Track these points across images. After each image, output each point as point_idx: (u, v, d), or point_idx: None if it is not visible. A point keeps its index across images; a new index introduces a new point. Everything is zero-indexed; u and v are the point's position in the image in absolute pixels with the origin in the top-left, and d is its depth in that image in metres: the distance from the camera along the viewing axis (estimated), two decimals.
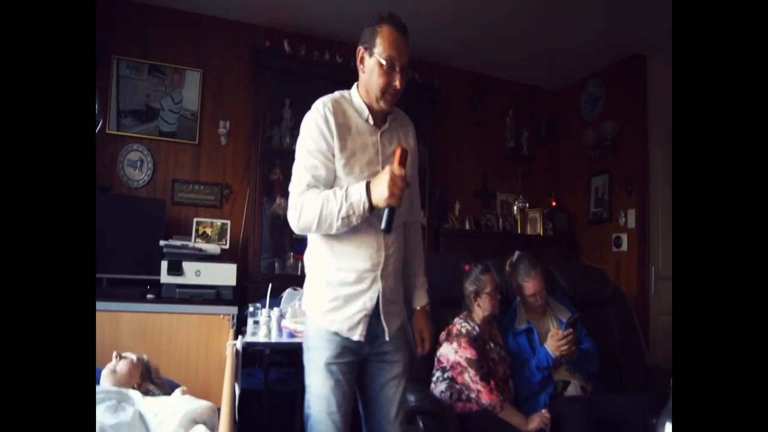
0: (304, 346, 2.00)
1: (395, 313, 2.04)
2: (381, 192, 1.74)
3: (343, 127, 1.92)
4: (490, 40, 4.93)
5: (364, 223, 1.86)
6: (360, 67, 1.98)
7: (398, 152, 1.78)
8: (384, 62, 1.88)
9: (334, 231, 1.82)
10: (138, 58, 4.37)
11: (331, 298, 1.92)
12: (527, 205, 5.53)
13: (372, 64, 1.92)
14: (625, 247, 4.90)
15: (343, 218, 1.78)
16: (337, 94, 2.01)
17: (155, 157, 4.37)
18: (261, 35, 4.54)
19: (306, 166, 1.89)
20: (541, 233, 5.42)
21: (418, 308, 2.22)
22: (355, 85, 2.05)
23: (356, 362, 1.98)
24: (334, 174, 1.90)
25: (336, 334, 1.91)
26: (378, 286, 1.93)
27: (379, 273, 1.94)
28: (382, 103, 1.96)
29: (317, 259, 1.98)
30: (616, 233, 5.00)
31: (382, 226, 1.79)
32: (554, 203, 5.66)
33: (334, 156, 1.89)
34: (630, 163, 4.94)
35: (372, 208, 1.78)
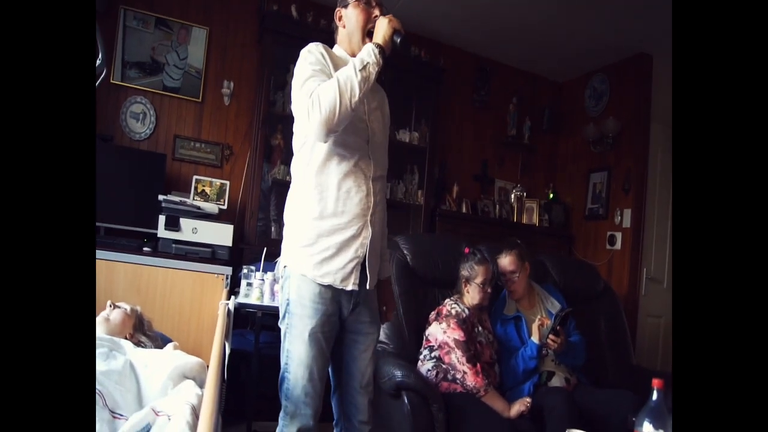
0: (283, 309, 1.97)
1: (377, 263, 2.05)
2: (382, 27, 1.90)
3: (335, 69, 1.93)
4: (498, 24, 4.92)
5: (354, 167, 1.92)
6: (339, 24, 2.10)
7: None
8: None
9: (357, 95, 1.78)
10: (145, 10, 4.32)
11: (323, 249, 1.89)
12: (525, 194, 5.56)
13: (350, 11, 2.04)
14: (618, 245, 4.95)
15: (360, 71, 1.80)
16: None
17: (158, 111, 4.33)
18: None
19: (314, 80, 1.85)
20: (537, 224, 5.45)
21: (383, 278, 2.20)
22: (335, 46, 2.12)
23: (336, 330, 1.98)
24: None
25: (326, 290, 1.90)
26: (368, 233, 1.94)
27: (368, 218, 1.94)
28: (367, 42, 1.98)
29: (303, 208, 1.93)
30: (611, 231, 5.04)
31: (398, 43, 1.92)
32: (551, 195, 5.69)
33: None
34: (630, 163, 4.98)
35: (382, 50, 1.87)
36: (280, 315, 1.99)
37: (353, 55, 1.98)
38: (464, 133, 5.52)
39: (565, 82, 5.92)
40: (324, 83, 1.80)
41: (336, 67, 1.92)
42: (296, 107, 1.89)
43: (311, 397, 1.89)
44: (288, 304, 1.94)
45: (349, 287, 1.91)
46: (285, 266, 1.98)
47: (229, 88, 4.53)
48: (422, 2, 4.50)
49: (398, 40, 1.92)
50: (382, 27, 1.90)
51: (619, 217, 4.96)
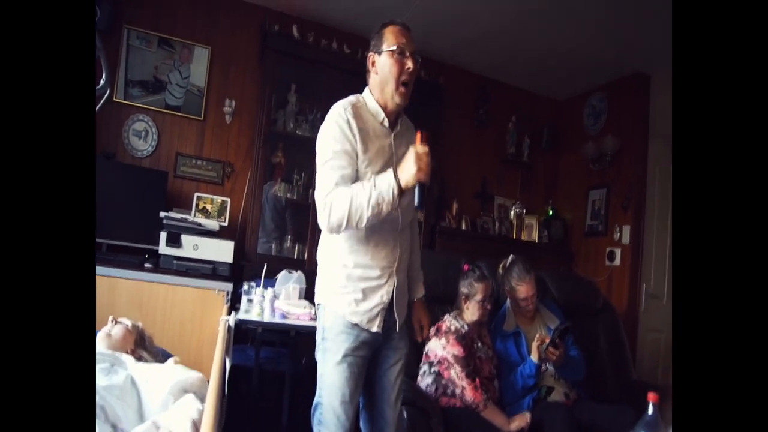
0: (319, 338, 2.03)
1: (404, 305, 2.12)
2: (409, 170, 1.79)
3: (363, 131, 1.94)
4: (498, 44, 4.96)
5: (384, 222, 1.94)
6: (372, 71, 2.04)
7: (419, 134, 1.85)
8: (394, 48, 1.97)
9: (364, 224, 1.83)
10: (148, 29, 4.37)
11: (351, 292, 1.97)
12: (524, 211, 5.58)
13: (383, 59, 1.99)
14: (618, 261, 4.96)
15: (373, 207, 1.80)
16: (353, 98, 2.03)
17: (160, 129, 4.37)
18: (271, 18, 4.56)
19: (333, 166, 1.88)
20: (537, 240, 5.45)
21: (416, 299, 2.29)
22: (366, 90, 2.09)
23: (369, 356, 2.04)
24: (357, 175, 1.92)
25: (355, 326, 1.97)
26: (393, 281, 2.02)
27: (394, 269, 2.02)
28: (397, 98, 2.00)
29: (336, 256, 2.02)
30: (610, 247, 5.05)
31: (416, 203, 1.85)
32: (551, 212, 5.71)
33: (357, 158, 1.92)
34: (628, 180, 5.00)
35: (402, 193, 1.82)
36: (317, 344, 2.05)
37: (384, 106, 2.02)
38: (464, 151, 5.54)
39: (564, 100, 5.96)
40: (339, 196, 1.83)
41: (363, 127, 1.94)
42: (317, 178, 1.94)
43: (343, 421, 1.92)
44: (323, 331, 2.01)
45: (374, 329, 1.98)
46: (319, 303, 2.06)
47: (230, 106, 4.57)
48: (423, 21, 4.52)
49: (417, 201, 1.85)
50: (409, 172, 1.79)
51: (619, 234, 4.97)
